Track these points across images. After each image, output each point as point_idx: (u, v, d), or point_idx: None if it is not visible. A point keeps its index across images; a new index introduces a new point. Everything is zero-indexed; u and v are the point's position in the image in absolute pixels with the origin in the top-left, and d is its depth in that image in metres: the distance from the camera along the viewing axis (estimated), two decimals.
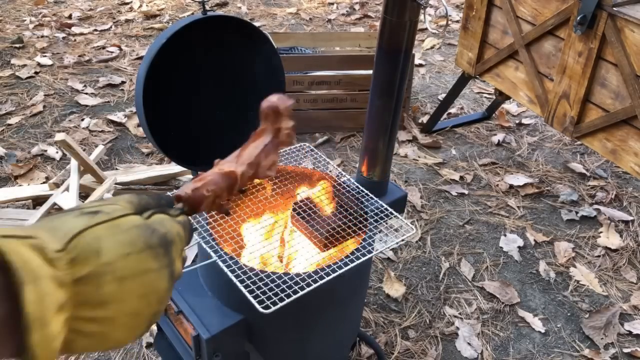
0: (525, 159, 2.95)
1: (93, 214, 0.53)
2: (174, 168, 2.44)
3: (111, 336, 0.52)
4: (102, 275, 0.49)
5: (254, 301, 1.06)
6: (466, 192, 2.68)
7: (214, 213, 1.33)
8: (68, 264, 0.48)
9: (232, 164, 0.78)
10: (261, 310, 1.05)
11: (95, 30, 4.34)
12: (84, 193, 2.34)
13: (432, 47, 4.19)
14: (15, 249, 0.44)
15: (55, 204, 2.31)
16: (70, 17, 4.55)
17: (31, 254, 0.45)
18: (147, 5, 4.79)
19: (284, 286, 1.12)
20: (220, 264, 1.15)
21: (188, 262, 2.16)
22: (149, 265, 0.54)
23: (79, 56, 3.88)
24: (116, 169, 2.75)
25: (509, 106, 3.37)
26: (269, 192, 1.45)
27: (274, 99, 0.83)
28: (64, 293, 0.47)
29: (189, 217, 0.67)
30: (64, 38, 4.18)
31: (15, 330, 0.44)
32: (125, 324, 0.53)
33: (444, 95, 3.17)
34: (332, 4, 4.91)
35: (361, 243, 1.29)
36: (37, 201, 2.41)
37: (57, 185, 2.43)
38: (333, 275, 1.14)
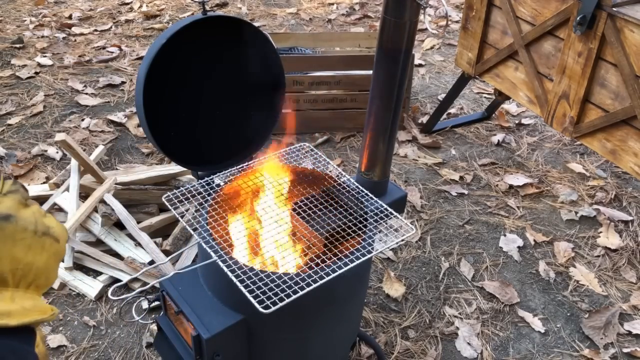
0: (525, 159, 2.95)
1: None
2: (174, 168, 2.44)
3: (41, 266, 0.71)
4: None
5: (254, 301, 1.06)
6: (466, 192, 2.69)
7: (214, 214, 1.33)
8: None
9: None
10: (261, 310, 1.05)
11: (96, 30, 4.34)
12: (84, 193, 2.35)
13: (431, 48, 4.19)
14: None
15: (55, 204, 2.32)
16: (70, 17, 4.55)
17: None
18: (147, 6, 4.79)
19: (284, 286, 1.12)
20: (220, 264, 1.15)
21: (188, 262, 2.16)
22: None
23: (79, 56, 3.88)
24: (116, 169, 2.75)
25: (509, 106, 3.37)
26: (270, 192, 1.45)
27: None
28: None
29: None
30: (64, 38, 4.18)
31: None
32: (34, 258, 0.71)
33: (443, 95, 3.17)
34: (332, 4, 4.91)
35: (361, 243, 1.29)
36: (38, 201, 2.41)
37: (57, 186, 2.43)
38: (333, 275, 1.14)
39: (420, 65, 3.88)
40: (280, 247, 1.33)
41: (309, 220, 1.31)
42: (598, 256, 2.35)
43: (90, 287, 2.09)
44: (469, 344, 1.97)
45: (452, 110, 3.35)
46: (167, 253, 2.14)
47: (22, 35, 4.15)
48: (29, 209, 0.74)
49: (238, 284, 1.10)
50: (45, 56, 3.86)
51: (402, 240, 1.65)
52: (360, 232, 1.32)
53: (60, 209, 2.31)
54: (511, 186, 2.73)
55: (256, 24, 2.21)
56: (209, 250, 1.18)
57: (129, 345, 1.93)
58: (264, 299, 1.08)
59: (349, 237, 1.31)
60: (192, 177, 2.47)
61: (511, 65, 2.53)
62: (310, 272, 1.17)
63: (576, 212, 2.57)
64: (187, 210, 2.28)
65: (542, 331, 2.03)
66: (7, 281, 0.68)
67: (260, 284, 1.13)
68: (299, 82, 2.96)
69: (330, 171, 1.49)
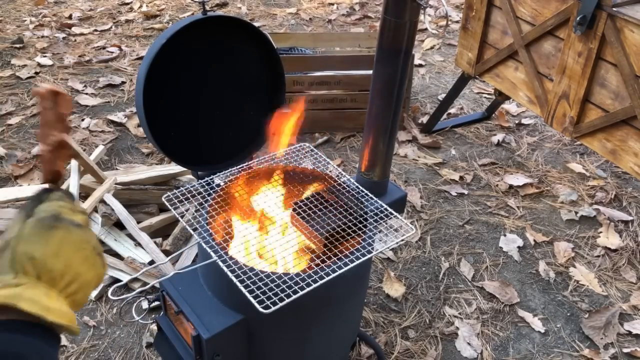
0: (525, 159, 2.95)
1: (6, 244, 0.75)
2: (174, 168, 2.44)
3: (87, 281, 0.76)
4: (43, 262, 0.72)
5: (254, 301, 1.06)
6: (466, 192, 2.69)
7: (214, 214, 1.34)
8: (24, 276, 0.71)
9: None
10: (261, 310, 1.05)
11: (96, 30, 4.34)
12: (84, 193, 2.35)
13: (432, 48, 4.19)
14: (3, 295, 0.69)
15: None
16: (70, 17, 4.55)
17: (9, 291, 0.69)
18: (147, 6, 4.79)
19: (284, 286, 1.12)
20: (220, 264, 1.15)
21: (188, 262, 2.16)
22: (55, 233, 0.74)
23: (79, 56, 3.89)
24: (116, 169, 2.75)
25: (509, 106, 3.37)
26: (270, 192, 1.45)
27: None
28: (41, 288, 0.71)
29: (54, 189, 0.85)
30: (64, 38, 4.18)
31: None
32: (85, 271, 0.76)
33: (443, 95, 3.17)
34: (332, 4, 4.91)
35: (361, 243, 1.29)
36: None
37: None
38: (333, 275, 1.14)
39: (420, 65, 3.88)
40: (280, 247, 1.33)
41: (309, 221, 1.31)
42: (598, 256, 2.35)
43: None
44: (469, 344, 1.97)
45: (452, 110, 3.35)
46: (167, 253, 2.14)
47: (22, 35, 4.15)
48: (92, 230, 0.82)
49: (238, 284, 1.10)
50: (45, 56, 3.86)
51: (402, 240, 1.65)
52: (360, 232, 1.32)
53: None
54: (511, 186, 2.73)
55: (256, 24, 2.21)
56: (209, 250, 1.18)
57: (129, 345, 1.93)
58: (264, 299, 1.08)
59: (349, 237, 1.31)
60: (192, 177, 2.47)
61: (511, 65, 2.53)
62: (310, 272, 1.17)
63: (576, 212, 2.57)
64: (187, 210, 2.28)
65: (542, 331, 2.03)
66: (56, 283, 0.73)
67: (260, 284, 1.13)
68: (299, 82, 2.96)
69: (330, 171, 1.49)
